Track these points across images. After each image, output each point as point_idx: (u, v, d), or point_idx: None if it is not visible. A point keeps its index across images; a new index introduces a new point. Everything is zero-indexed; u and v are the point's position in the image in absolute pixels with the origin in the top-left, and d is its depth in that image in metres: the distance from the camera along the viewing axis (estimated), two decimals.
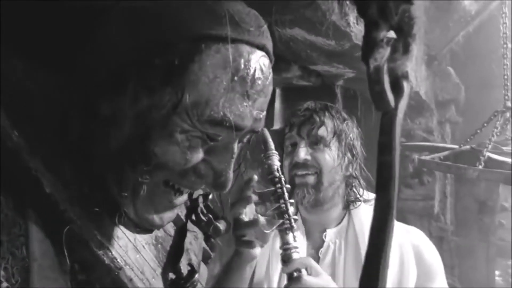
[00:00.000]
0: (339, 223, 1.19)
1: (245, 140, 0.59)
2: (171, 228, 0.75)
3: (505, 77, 2.31)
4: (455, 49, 3.32)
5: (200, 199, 0.83)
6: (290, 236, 0.93)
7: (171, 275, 0.64)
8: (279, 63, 2.11)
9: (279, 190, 0.95)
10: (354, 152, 1.18)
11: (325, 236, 1.17)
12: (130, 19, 0.52)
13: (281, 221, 0.93)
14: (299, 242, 1.00)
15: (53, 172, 0.49)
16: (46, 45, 0.52)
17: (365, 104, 3.34)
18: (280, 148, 1.20)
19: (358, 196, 1.18)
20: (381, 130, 0.42)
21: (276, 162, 0.98)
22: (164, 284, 0.62)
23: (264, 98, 0.55)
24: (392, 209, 0.39)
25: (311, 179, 1.13)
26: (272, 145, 0.99)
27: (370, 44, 0.42)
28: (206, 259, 0.82)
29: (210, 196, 0.85)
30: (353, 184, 1.18)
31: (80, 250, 0.51)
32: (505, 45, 2.33)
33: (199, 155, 0.53)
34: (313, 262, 0.94)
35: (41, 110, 0.52)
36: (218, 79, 0.49)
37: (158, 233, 0.69)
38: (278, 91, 3.50)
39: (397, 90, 0.43)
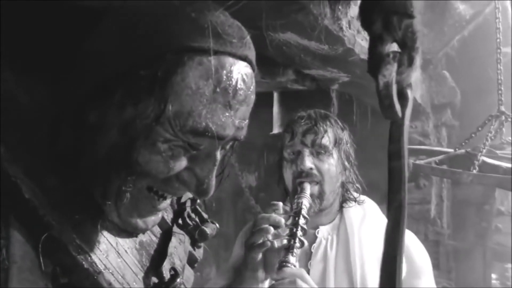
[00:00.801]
0: (332, 220, 1.23)
1: (227, 147, 0.60)
2: (157, 233, 0.75)
3: (499, 81, 2.32)
4: (451, 53, 3.34)
5: (188, 203, 0.83)
6: (292, 257, 0.96)
7: (153, 279, 0.64)
8: (273, 67, 2.11)
9: (297, 219, 1.04)
10: (351, 159, 1.23)
11: (318, 233, 1.21)
12: (117, 32, 0.53)
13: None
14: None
15: (33, 179, 0.50)
16: (36, 55, 0.54)
17: (360, 108, 3.35)
18: (279, 154, 1.24)
19: (354, 198, 1.22)
20: (390, 138, 0.45)
21: (306, 203, 1.09)
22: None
23: (246, 107, 0.56)
24: (404, 210, 0.43)
25: (315, 189, 1.16)
26: (308, 190, 1.11)
27: (377, 58, 0.44)
28: (192, 263, 0.82)
29: (198, 200, 0.85)
30: (349, 188, 1.23)
31: (59, 254, 0.52)
32: (498, 50, 2.34)
33: (181, 163, 0.54)
34: (305, 275, 0.95)
35: (27, 119, 0.53)
36: (201, 90, 0.50)
37: (143, 237, 0.69)
38: (275, 95, 3.51)
39: (403, 99, 0.46)
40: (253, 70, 0.57)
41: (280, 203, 1.08)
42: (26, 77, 0.54)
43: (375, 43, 0.43)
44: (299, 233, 1.02)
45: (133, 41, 0.51)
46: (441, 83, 3.83)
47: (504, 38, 3.08)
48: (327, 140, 1.18)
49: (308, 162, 1.15)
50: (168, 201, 0.60)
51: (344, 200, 1.23)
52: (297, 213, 1.06)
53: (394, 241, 0.43)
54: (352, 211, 1.22)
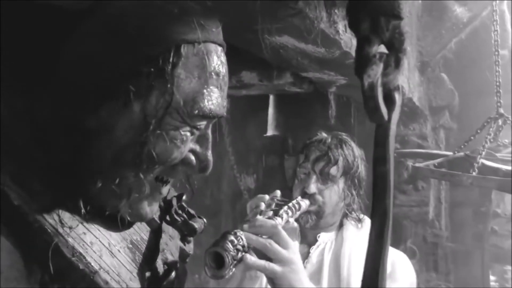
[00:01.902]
0: (333, 230, 1.34)
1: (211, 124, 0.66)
2: (146, 232, 0.76)
3: (497, 83, 2.32)
4: (448, 56, 3.35)
5: (174, 201, 0.84)
6: (278, 218, 1.02)
7: (148, 274, 0.65)
8: (270, 70, 2.11)
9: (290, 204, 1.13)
10: (357, 185, 1.32)
11: (318, 237, 1.31)
12: (106, 34, 0.55)
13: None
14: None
15: (21, 186, 0.51)
16: (11, 63, 0.55)
17: (358, 111, 3.35)
18: (294, 172, 1.35)
19: (354, 218, 1.34)
20: (376, 142, 0.45)
21: (303, 206, 1.18)
22: (141, 283, 0.63)
23: (226, 87, 0.63)
24: (388, 217, 0.43)
25: (313, 208, 1.26)
26: (304, 204, 1.20)
27: (363, 60, 0.44)
28: (184, 258, 0.83)
29: (184, 197, 0.87)
30: (353, 208, 1.33)
31: (54, 258, 0.52)
32: (496, 52, 2.34)
33: (188, 146, 0.60)
34: (283, 234, 0.96)
35: (9, 129, 0.54)
36: (199, 77, 0.56)
37: (134, 236, 0.71)
38: (271, 98, 3.51)
39: (390, 103, 0.46)
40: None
41: (278, 191, 1.15)
42: (8, 88, 0.55)
43: (362, 44, 0.44)
44: (287, 208, 1.09)
45: (127, 41, 0.54)
46: (439, 85, 3.83)
47: (502, 40, 3.10)
48: (335, 169, 1.26)
49: (313, 187, 1.25)
50: (168, 186, 0.65)
51: (345, 215, 1.33)
52: (288, 202, 1.14)
53: (377, 249, 0.42)
54: (351, 226, 1.33)
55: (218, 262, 0.91)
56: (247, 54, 1.80)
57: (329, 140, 1.30)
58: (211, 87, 0.57)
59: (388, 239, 0.42)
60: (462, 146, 2.55)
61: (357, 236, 1.30)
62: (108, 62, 0.54)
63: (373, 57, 0.43)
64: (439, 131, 4.14)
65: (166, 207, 0.79)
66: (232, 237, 0.93)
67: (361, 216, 1.34)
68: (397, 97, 0.46)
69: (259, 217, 1.00)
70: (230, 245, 0.92)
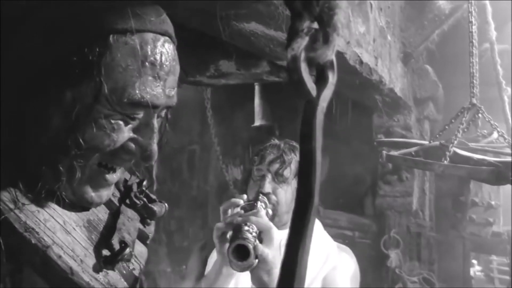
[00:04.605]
0: (286, 227, 1.45)
1: (163, 115, 0.68)
2: (104, 213, 0.78)
3: (471, 74, 2.36)
4: (431, 47, 3.37)
5: (134, 186, 0.87)
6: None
7: (104, 252, 0.67)
8: (247, 58, 2.14)
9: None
10: None
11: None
12: (42, 28, 0.58)
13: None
14: None
15: None
16: None
17: (340, 101, 3.38)
18: (247, 172, 1.49)
19: None
20: (303, 119, 0.43)
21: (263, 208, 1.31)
22: (97, 260, 0.65)
23: (173, 77, 0.64)
24: (313, 197, 0.40)
25: (270, 207, 1.38)
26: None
27: (290, 34, 0.44)
28: (144, 239, 0.85)
29: (144, 182, 0.90)
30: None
31: (5, 234, 0.54)
32: (471, 43, 2.37)
33: (124, 134, 0.60)
34: (273, 230, 1.14)
35: None
36: (130, 66, 0.57)
37: (91, 216, 0.72)
38: (257, 88, 3.53)
39: (321, 80, 0.45)
40: (174, 43, 0.65)
41: (245, 195, 1.35)
42: None
43: (294, 20, 0.43)
44: (260, 202, 1.26)
45: (60, 32, 0.56)
46: (423, 77, 3.86)
47: (483, 32, 3.12)
48: (288, 171, 1.39)
49: (268, 187, 1.37)
50: (118, 174, 0.67)
51: None
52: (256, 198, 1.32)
53: (299, 230, 0.39)
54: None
55: (241, 255, 0.98)
56: (225, 43, 1.83)
57: (282, 145, 1.45)
58: (145, 76, 0.58)
59: (311, 222, 0.39)
60: (437, 136, 2.60)
61: None
62: (40, 53, 0.57)
63: (300, 31, 0.42)
64: (424, 122, 4.18)
65: (126, 191, 0.83)
66: (246, 227, 1.01)
67: None
68: (330, 74, 0.45)
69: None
70: (249, 235, 1.00)
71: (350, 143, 3.79)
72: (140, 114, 0.61)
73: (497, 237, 3.46)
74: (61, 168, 0.58)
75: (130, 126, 0.61)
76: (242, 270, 1.05)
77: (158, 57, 0.59)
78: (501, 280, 4.79)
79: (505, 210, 3.46)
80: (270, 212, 1.34)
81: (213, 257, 1.41)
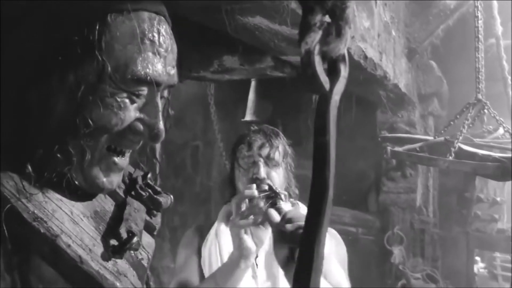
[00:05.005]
0: None
1: (165, 94, 0.69)
2: (111, 205, 0.77)
3: (477, 69, 2.34)
4: (436, 42, 3.35)
5: (139, 179, 0.87)
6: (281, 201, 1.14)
7: (112, 242, 0.67)
8: (251, 53, 2.12)
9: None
10: (292, 169, 1.51)
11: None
12: (44, 12, 0.58)
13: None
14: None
15: None
16: None
17: (344, 97, 3.36)
18: (231, 162, 1.47)
19: (296, 195, 1.51)
20: (317, 112, 0.44)
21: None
22: (105, 249, 0.65)
23: (172, 55, 0.66)
24: (328, 189, 0.41)
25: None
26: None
27: (303, 28, 0.44)
28: (151, 230, 0.86)
29: (149, 175, 0.90)
30: (290, 192, 1.48)
31: (14, 224, 0.54)
32: (476, 38, 2.35)
33: (130, 113, 0.62)
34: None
35: None
36: (130, 44, 0.59)
37: (97, 208, 0.73)
38: (253, 83, 3.51)
39: (333, 73, 0.45)
40: (168, 23, 0.67)
41: (254, 185, 1.29)
42: None
43: (306, 13, 0.44)
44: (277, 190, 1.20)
45: (59, 16, 0.57)
46: (427, 72, 3.84)
47: (489, 28, 3.10)
48: (278, 154, 1.42)
49: (263, 172, 1.37)
50: (127, 158, 0.68)
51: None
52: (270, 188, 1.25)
53: (315, 221, 0.40)
54: (289, 205, 1.45)
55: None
56: (228, 38, 1.82)
57: (266, 130, 1.47)
58: (145, 53, 0.60)
59: (327, 212, 0.40)
60: (442, 131, 2.58)
61: None
62: (41, 39, 0.57)
63: (313, 25, 0.43)
64: (428, 118, 4.16)
65: (131, 183, 0.83)
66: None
67: (295, 201, 1.46)
68: (342, 67, 0.45)
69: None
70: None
71: (354, 139, 3.77)
72: (144, 91, 0.62)
73: (501, 234, 3.44)
74: (71, 149, 0.58)
75: (135, 105, 0.62)
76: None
77: (155, 34, 0.61)
78: (504, 277, 4.77)
79: (509, 207, 3.45)
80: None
81: (208, 246, 1.40)
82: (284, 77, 2.57)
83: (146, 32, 0.60)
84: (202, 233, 1.48)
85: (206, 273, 1.36)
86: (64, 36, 0.57)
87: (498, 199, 2.93)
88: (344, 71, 0.45)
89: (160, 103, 0.66)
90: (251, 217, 1.20)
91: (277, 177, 1.41)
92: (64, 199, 0.63)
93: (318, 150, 0.42)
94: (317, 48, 0.43)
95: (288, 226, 0.95)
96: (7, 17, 0.59)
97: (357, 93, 3.30)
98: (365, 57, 2.26)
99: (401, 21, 3.22)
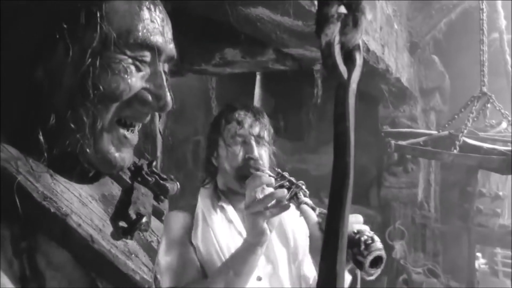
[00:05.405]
0: None
1: (166, 69, 0.71)
2: (118, 191, 0.77)
3: (481, 62, 2.32)
4: (438, 36, 3.33)
5: (145, 166, 0.87)
6: (304, 197, 1.09)
7: (121, 224, 0.67)
8: (253, 46, 2.11)
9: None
10: (274, 151, 1.46)
11: None
12: None
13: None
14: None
15: None
16: None
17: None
18: (214, 141, 1.39)
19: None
20: (336, 101, 0.45)
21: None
22: (115, 230, 0.65)
23: (168, 29, 0.68)
24: (349, 173, 0.43)
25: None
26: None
27: (322, 20, 0.45)
28: (159, 215, 0.85)
29: (154, 163, 0.90)
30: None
31: (23, 203, 0.53)
32: (481, 31, 2.33)
33: (137, 81, 0.64)
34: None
35: None
36: (128, 11, 0.62)
37: (105, 192, 0.73)
38: (258, 77, 3.50)
39: (350, 62, 0.47)
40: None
41: (266, 169, 1.25)
42: None
43: (322, 5, 0.45)
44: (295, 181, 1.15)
45: None
46: (429, 67, 3.82)
47: (492, 22, 3.08)
48: (267, 133, 1.38)
49: (256, 150, 1.33)
50: (136, 133, 0.69)
51: None
52: (282, 176, 1.20)
53: (338, 208, 0.42)
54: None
55: (375, 261, 0.95)
56: (230, 31, 1.80)
57: (253, 108, 1.42)
58: (145, 20, 0.63)
59: (348, 198, 0.42)
60: (446, 125, 2.56)
61: None
62: (44, 12, 0.59)
63: (331, 17, 0.44)
64: (430, 113, 4.15)
65: (136, 170, 0.83)
66: (365, 236, 0.97)
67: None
68: (358, 56, 0.47)
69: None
70: (378, 244, 0.96)
71: (355, 134, 3.75)
72: (147, 57, 0.64)
73: (503, 229, 3.44)
74: (83, 113, 0.60)
75: (141, 74, 0.64)
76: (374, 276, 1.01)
77: (151, 6, 0.65)
78: (505, 273, 4.78)
79: (511, 202, 3.44)
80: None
81: (200, 234, 1.34)
82: (285, 71, 2.55)
83: (143, 2, 0.64)
84: (186, 219, 1.40)
85: (205, 263, 1.32)
86: (65, 6, 0.59)
87: (501, 193, 2.92)
88: (359, 59, 0.47)
89: (164, 75, 0.68)
90: (271, 209, 1.14)
91: (266, 157, 1.37)
92: (71, 182, 0.63)
93: (339, 137, 0.44)
94: (336, 39, 0.45)
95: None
96: (7, 6, 0.60)
97: (359, 87, 3.28)
98: (368, 50, 2.24)
99: (403, 14, 3.20)
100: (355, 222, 0.99)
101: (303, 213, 1.05)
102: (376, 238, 0.95)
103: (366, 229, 0.96)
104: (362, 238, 0.94)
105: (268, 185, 1.18)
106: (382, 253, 0.93)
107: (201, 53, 2.32)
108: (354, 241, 0.95)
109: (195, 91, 3.90)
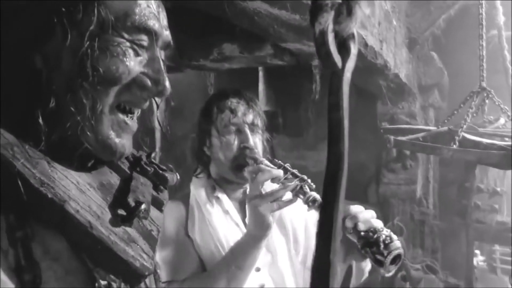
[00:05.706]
0: None
1: (163, 56, 0.71)
2: (117, 180, 0.77)
3: (480, 57, 2.31)
4: (437, 33, 3.32)
5: (144, 157, 0.87)
6: (311, 191, 1.08)
7: (120, 211, 0.66)
8: (250, 41, 2.10)
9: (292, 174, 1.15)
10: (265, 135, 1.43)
11: None
12: None
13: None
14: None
15: None
16: None
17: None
18: (207, 130, 1.36)
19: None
20: (330, 90, 0.45)
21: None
22: (114, 218, 0.64)
23: (163, 16, 0.69)
24: (343, 163, 0.43)
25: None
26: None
27: (315, 8, 0.45)
28: (159, 206, 0.85)
29: (153, 154, 0.90)
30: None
31: (21, 192, 0.53)
32: (480, 26, 2.33)
33: (135, 65, 0.64)
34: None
35: None
36: None
37: (104, 180, 0.72)
38: (261, 73, 3.49)
39: (344, 51, 0.47)
40: None
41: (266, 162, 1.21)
42: None
43: None
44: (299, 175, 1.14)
45: None
46: (428, 63, 3.82)
47: (491, 18, 3.07)
48: (261, 121, 1.35)
49: (251, 139, 1.29)
50: (135, 120, 0.70)
51: None
52: (285, 168, 1.17)
53: (332, 197, 0.43)
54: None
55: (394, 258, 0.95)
56: (228, 26, 1.79)
57: (245, 95, 1.37)
58: (141, 5, 0.64)
59: (342, 186, 0.42)
60: (445, 121, 2.56)
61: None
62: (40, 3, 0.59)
63: (325, 5, 0.44)
64: (429, 110, 4.14)
65: (135, 160, 0.83)
66: (383, 235, 0.96)
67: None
68: (352, 45, 0.47)
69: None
70: (397, 243, 0.96)
71: (354, 131, 3.74)
72: (145, 42, 0.65)
73: (501, 226, 3.43)
74: (82, 95, 0.60)
75: (139, 58, 0.65)
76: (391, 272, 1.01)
77: None
78: (503, 270, 4.79)
79: (509, 198, 3.44)
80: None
81: (198, 227, 1.32)
82: (284, 66, 2.55)
83: None
84: (180, 209, 1.37)
85: (203, 255, 1.29)
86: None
87: (498, 189, 2.92)
88: (354, 48, 0.47)
89: (162, 61, 0.68)
90: (279, 202, 1.13)
91: (260, 145, 1.33)
92: (69, 170, 0.63)
93: (332, 126, 0.44)
94: (330, 27, 0.44)
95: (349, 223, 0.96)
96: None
97: (357, 83, 3.28)
98: (366, 45, 2.23)
99: (402, 10, 3.19)
100: (371, 217, 0.99)
101: (310, 207, 1.05)
102: (394, 236, 0.96)
103: (381, 225, 0.97)
104: (381, 238, 0.94)
105: (274, 179, 1.15)
106: (401, 251, 0.94)
107: (199, 48, 2.31)
108: (373, 241, 0.95)
109: (193, 88, 3.89)
